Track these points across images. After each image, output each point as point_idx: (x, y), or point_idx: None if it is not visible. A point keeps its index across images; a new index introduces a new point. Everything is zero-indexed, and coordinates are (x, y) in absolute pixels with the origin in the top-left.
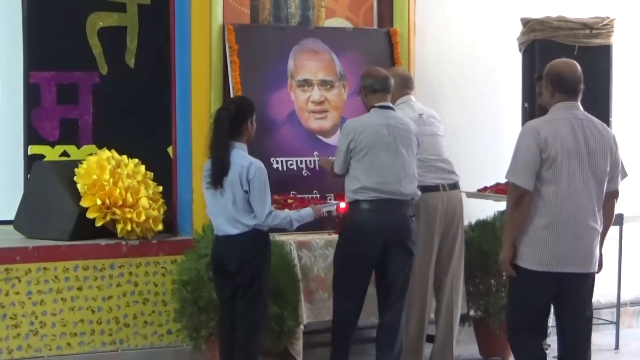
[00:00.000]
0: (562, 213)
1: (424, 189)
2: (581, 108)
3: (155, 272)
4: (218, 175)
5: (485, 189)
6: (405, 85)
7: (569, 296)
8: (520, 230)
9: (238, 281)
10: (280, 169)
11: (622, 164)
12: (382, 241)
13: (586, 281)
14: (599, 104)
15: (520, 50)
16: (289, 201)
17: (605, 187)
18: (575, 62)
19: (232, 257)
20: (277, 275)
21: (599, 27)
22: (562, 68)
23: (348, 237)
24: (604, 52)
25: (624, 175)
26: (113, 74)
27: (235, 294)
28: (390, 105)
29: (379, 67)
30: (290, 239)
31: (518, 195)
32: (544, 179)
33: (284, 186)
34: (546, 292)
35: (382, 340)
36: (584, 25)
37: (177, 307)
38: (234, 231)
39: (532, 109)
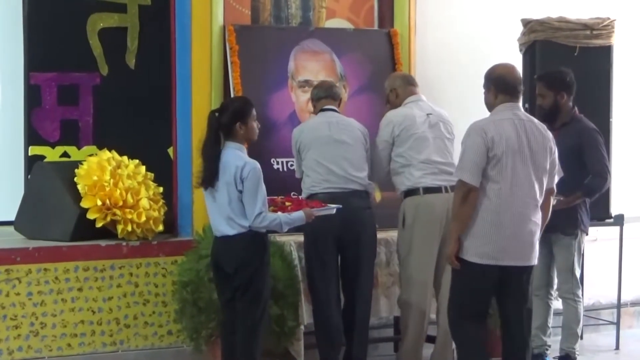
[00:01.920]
0: (507, 209)
1: (426, 190)
2: (522, 108)
3: (156, 273)
4: (208, 176)
5: None
6: (408, 82)
7: (510, 288)
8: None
9: (236, 283)
10: (281, 169)
11: (558, 163)
12: (335, 233)
13: (526, 274)
14: (600, 104)
15: (520, 51)
16: (287, 204)
17: (545, 185)
18: (514, 65)
19: (229, 258)
20: (278, 276)
21: (600, 28)
22: (503, 71)
23: (307, 233)
24: (605, 53)
25: (560, 174)
26: (114, 74)
27: (235, 295)
28: (334, 108)
29: (326, 80)
30: (290, 240)
31: (466, 192)
32: (490, 176)
33: (284, 187)
34: (488, 283)
35: (354, 332)
36: (585, 26)
37: (178, 307)
38: (231, 232)
39: (533, 109)
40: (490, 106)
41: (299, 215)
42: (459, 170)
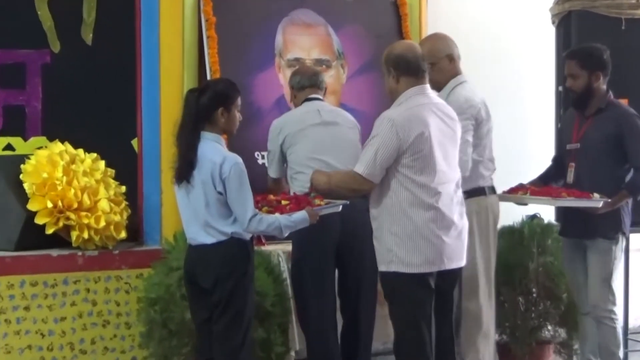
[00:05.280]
0: (440, 205)
1: (491, 190)
2: (430, 89)
3: (118, 289)
4: (183, 168)
5: (517, 189)
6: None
7: (443, 297)
8: (389, 232)
9: (214, 300)
10: (266, 164)
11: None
12: (336, 240)
13: (458, 276)
14: None
15: (553, 23)
16: (284, 202)
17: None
18: (413, 42)
19: (206, 271)
20: (264, 292)
21: None
22: (402, 49)
23: (298, 240)
24: None
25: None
26: (67, 52)
27: (212, 315)
28: (321, 97)
29: (308, 65)
30: (278, 249)
31: (367, 189)
32: (416, 170)
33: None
34: (430, 296)
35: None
36: None
37: (144, 330)
38: (209, 240)
39: (568, 93)
40: (393, 93)
41: (302, 217)
42: (367, 167)
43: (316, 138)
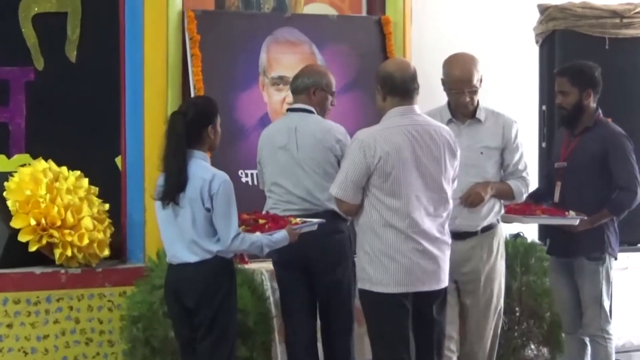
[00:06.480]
0: (411, 226)
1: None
2: (418, 111)
3: (101, 307)
4: (172, 190)
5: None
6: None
7: (421, 319)
8: (363, 250)
9: (198, 320)
10: (250, 182)
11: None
12: (301, 260)
13: (437, 299)
14: (631, 103)
15: (537, 42)
16: (261, 221)
17: (449, 195)
18: (407, 61)
19: (190, 290)
20: (246, 311)
21: (631, 16)
22: (392, 68)
23: (274, 261)
24: (637, 45)
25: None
26: (51, 69)
27: (196, 334)
28: (302, 106)
29: (310, 64)
30: (262, 267)
31: (348, 209)
32: (382, 194)
33: (253, 203)
34: (404, 317)
35: None
36: (613, 13)
37: (127, 348)
38: (192, 258)
39: (551, 112)
40: (381, 111)
41: (282, 236)
42: (340, 189)
43: (280, 163)
